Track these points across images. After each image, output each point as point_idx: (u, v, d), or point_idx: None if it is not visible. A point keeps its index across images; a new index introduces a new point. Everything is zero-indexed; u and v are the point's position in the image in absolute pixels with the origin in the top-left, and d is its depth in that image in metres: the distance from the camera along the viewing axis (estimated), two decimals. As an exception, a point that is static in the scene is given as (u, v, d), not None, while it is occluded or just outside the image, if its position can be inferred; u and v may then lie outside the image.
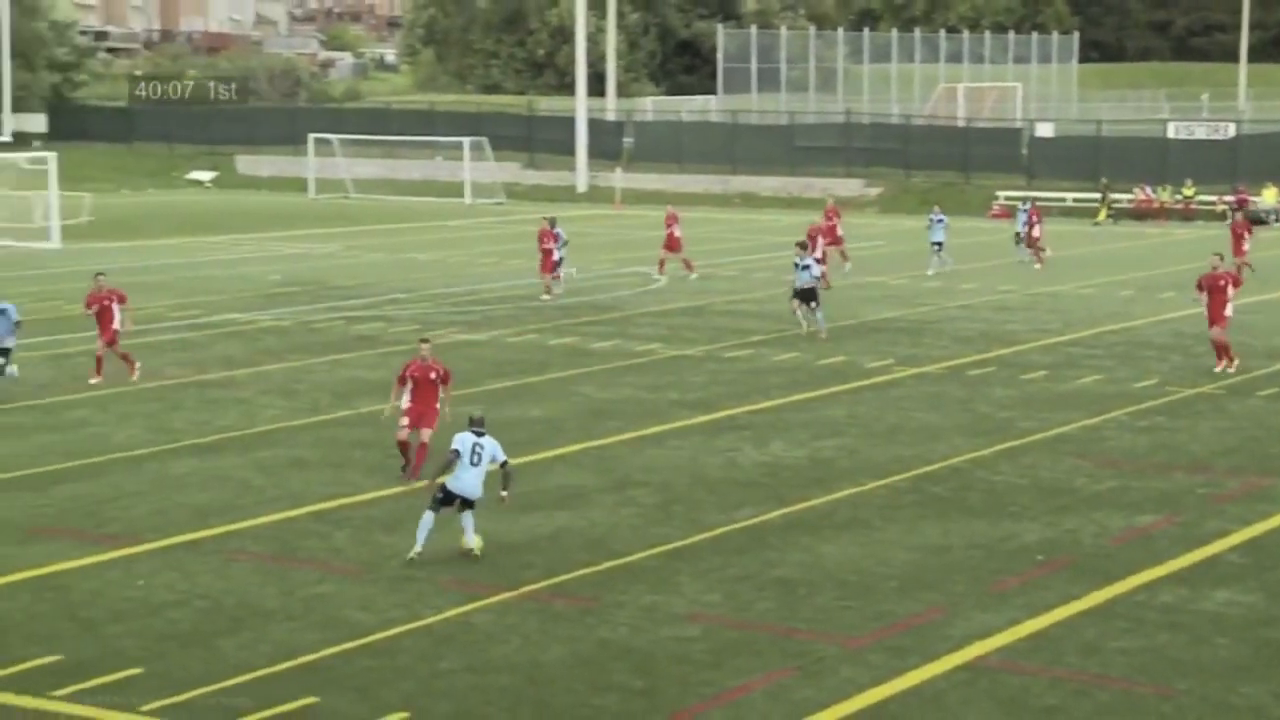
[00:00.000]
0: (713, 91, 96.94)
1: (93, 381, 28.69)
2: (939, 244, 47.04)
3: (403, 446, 21.82)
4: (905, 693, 14.49)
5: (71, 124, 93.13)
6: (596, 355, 32.57)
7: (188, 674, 14.79)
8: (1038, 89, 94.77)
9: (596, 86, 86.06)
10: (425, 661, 15.18)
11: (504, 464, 18.39)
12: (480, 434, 18.30)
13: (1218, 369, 30.15)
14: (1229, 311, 30.17)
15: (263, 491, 21.52)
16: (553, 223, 42.02)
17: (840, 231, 47.43)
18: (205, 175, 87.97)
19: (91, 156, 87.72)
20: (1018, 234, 50.50)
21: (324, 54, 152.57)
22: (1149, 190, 69.78)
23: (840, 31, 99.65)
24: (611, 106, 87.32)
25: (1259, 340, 33.96)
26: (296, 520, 20.11)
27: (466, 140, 79.22)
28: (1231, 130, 73.63)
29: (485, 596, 16.99)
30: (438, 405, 21.74)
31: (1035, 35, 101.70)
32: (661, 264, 45.66)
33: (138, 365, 29.36)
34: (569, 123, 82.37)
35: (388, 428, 22.77)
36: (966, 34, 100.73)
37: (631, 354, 32.68)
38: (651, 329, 36.14)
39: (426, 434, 21.60)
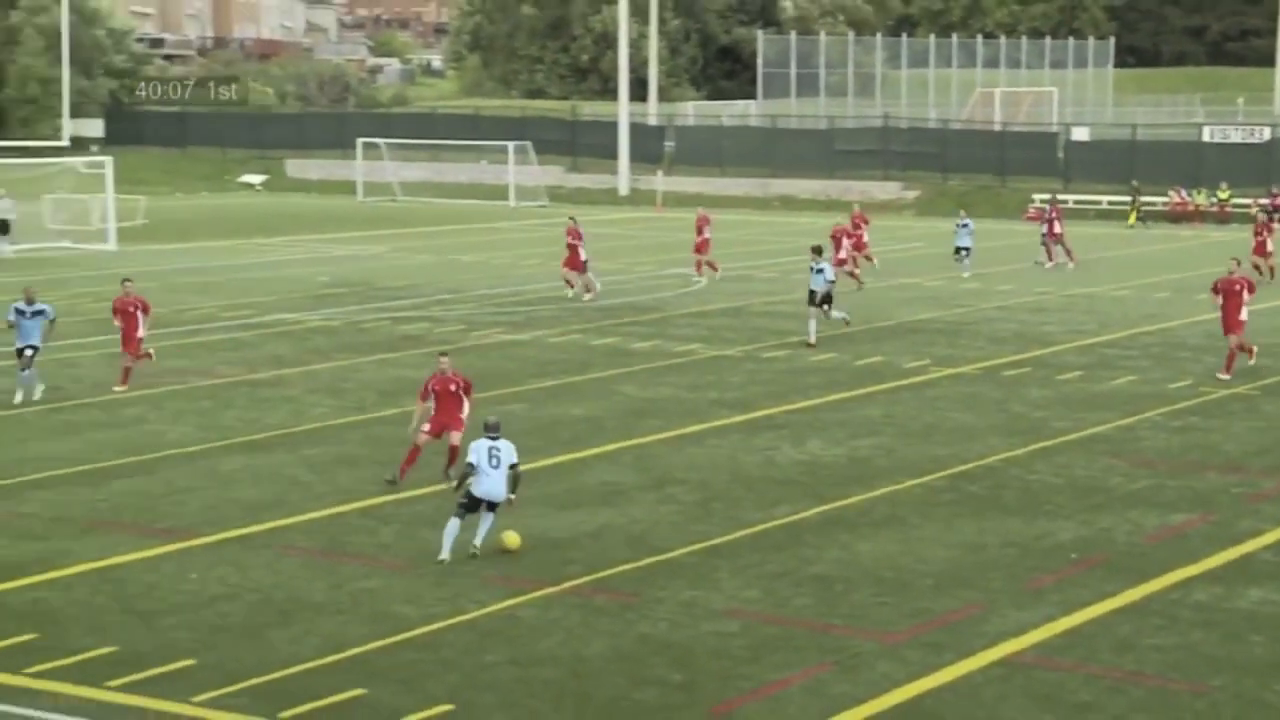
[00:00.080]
0: (753, 96, 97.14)
1: (118, 389, 28.55)
2: (965, 249, 47.10)
3: (413, 453, 21.71)
4: (941, 688, 14.58)
5: (127, 129, 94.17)
6: (637, 355, 32.82)
7: (239, 665, 14.98)
8: (1073, 93, 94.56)
9: (638, 91, 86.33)
10: (470, 655, 15.33)
11: (513, 466, 18.56)
12: (495, 438, 18.51)
13: (1222, 376, 29.82)
14: (1244, 316, 29.94)
15: (311, 488, 21.76)
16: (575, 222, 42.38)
17: (866, 238, 47.58)
18: (256, 179, 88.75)
19: (146, 160, 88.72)
20: (1043, 235, 50.69)
21: (372, 60, 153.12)
22: (1184, 193, 69.71)
23: (879, 37, 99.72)
24: (653, 111, 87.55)
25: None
26: (344, 516, 20.33)
27: (511, 144, 79.66)
28: (1266, 134, 73.35)
29: (528, 591, 17.18)
30: (461, 415, 21.68)
31: (1071, 40, 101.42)
32: (699, 266, 45.91)
33: (128, 384, 28.75)
34: (611, 127, 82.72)
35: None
36: (1003, 39, 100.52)
37: (671, 354, 32.92)
38: (691, 329, 36.37)
39: (455, 436, 21.53)
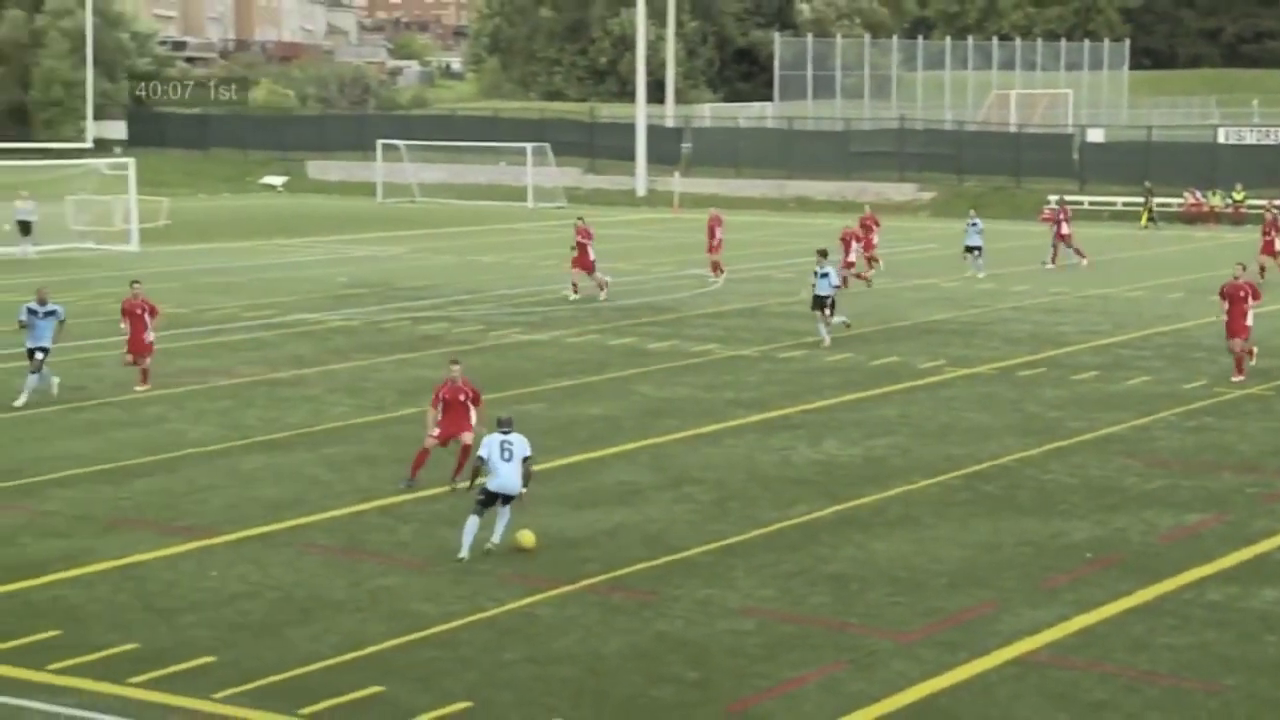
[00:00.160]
0: (769, 98, 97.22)
1: (139, 389, 28.64)
2: (976, 249, 47.15)
3: (421, 455, 21.74)
4: (955, 686, 14.65)
5: (150, 131, 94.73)
6: (654, 355, 32.93)
7: (259, 663, 15.09)
8: (1089, 95, 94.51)
9: (656, 93, 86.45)
10: (488, 652, 15.43)
11: (525, 459, 18.62)
12: (507, 432, 18.59)
13: (1235, 379, 29.75)
14: (1249, 321, 29.77)
15: (331, 486, 21.88)
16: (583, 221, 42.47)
17: (875, 239, 47.63)
18: (277, 180, 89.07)
19: (169, 162, 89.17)
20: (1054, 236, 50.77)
21: (392, 62, 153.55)
22: (1199, 194, 69.70)
23: (895, 39, 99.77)
24: (670, 113, 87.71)
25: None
26: (364, 515, 20.45)
27: (529, 146, 79.88)
28: (1281, 135, 73.54)
29: (546, 589, 17.28)
30: (471, 423, 21.55)
31: (1087, 42, 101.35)
32: (715, 267, 45.94)
33: (149, 384, 28.90)
34: (629, 129, 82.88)
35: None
36: (1019, 41, 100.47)
37: (688, 354, 33.03)
38: (708, 330, 36.48)
39: (467, 437, 21.41)
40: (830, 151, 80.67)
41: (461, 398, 21.62)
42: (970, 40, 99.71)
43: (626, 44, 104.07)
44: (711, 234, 45.69)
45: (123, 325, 29.33)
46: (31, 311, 27.85)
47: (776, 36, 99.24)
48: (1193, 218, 69.06)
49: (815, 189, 78.78)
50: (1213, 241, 60.69)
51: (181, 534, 19.53)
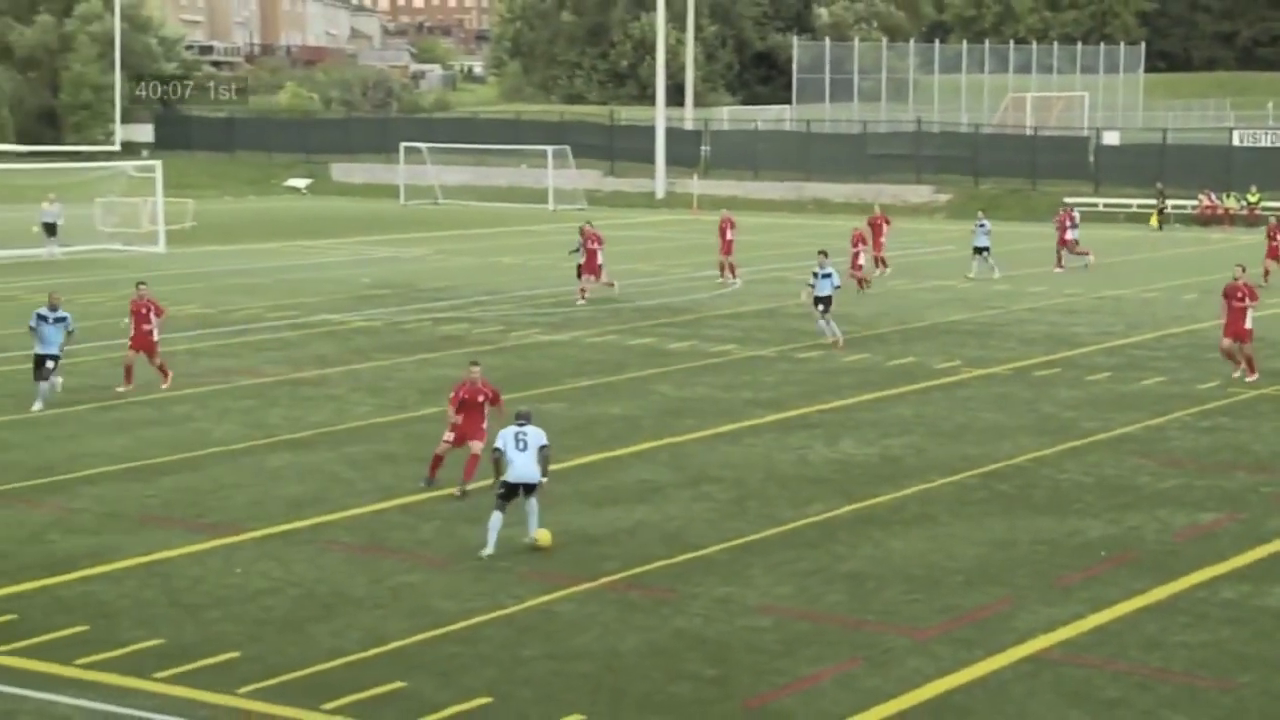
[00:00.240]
0: (787, 101, 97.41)
1: (120, 389, 28.60)
2: (984, 249, 47.19)
3: (437, 459, 21.82)
4: (970, 684, 14.72)
5: (177, 134, 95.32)
6: (673, 355, 33.07)
7: (282, 658, 15.22)
8: (1104, 98, 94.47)
9: (675, 97, 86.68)
10: (507, 649, 15.53)
11: (542, 448, 18.67)
12: (523, 424, 18.70)
13: (1236, 375, 29.86)
14: (1249, 324, 29.74)
15: (353, 485, 22.01)
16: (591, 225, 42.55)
17: (883, 239, 47.68)
18: (302, 182, 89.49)
19: (195, 164, 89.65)
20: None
21: (415, 66, 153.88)
22: (1213, 196, 69.72)
23: (912, 43, 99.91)
24: (690, 116, 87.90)
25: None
26: (385, 513, 20.58)
27: (550, 149, 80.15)
28: (1296, 138, 73.49)
29: (565, 587, 17.40)
30: (484, 426, 21.51)
31: (1102, 46, 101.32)
32: (731, 269, 45.96)
33: (171, 375, 29.24)
34: (649, 132, 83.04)
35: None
36: (1035, 45, 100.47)
37: (707, 354, 33.17)
38: (726, 330, 36.62)
39: (476, 446, 21.38)
40: (847, 154, 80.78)
41: (480, 398, 21.69)
42: (987, 44, 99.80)
43: (646, 48, 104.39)
44: (723, 236, 45.79)
45: (126, 323, 29.55)
46: (41, 317, 27.54)
47: (795, 40, 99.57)
48: (1207, 220, 69.11)
49: (832, 191, 78.90)
50: (1227, 244, 60.56)
51: (207, 531, 19.71)
